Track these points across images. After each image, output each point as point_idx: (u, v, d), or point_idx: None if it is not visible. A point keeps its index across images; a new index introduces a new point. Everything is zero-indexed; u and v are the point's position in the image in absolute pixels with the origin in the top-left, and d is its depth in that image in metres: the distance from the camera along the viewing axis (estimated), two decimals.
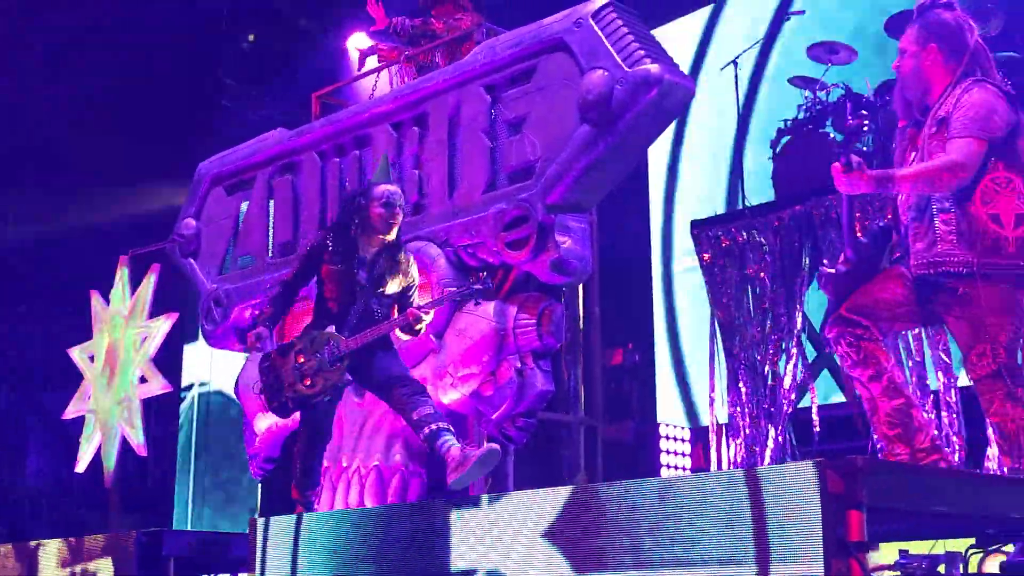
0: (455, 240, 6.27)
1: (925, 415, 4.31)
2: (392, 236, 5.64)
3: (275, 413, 5.78)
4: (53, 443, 12.63)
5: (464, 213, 6.29)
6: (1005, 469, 4.20)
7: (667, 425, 9.11)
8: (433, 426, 5.25)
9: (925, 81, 4.41)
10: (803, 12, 9.34)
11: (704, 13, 11.04)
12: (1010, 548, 4.48)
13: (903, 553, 4.41)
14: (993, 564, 4.72)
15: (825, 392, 7.99)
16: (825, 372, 8.09)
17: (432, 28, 7.51)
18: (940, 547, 4.80)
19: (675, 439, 9.09)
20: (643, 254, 10.69)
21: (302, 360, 5.50)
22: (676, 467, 8.85)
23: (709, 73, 10.17)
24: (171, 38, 12.09)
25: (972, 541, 4.60)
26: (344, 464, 6.46)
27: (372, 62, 8.28)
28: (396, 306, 5.66)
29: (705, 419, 8.33)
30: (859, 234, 4.74)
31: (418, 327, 5.52)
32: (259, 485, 10.51)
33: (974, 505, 3.77)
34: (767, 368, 7.74)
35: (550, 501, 4.07)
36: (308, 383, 5.48)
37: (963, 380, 6.75)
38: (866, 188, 4.39)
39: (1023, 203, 4.21)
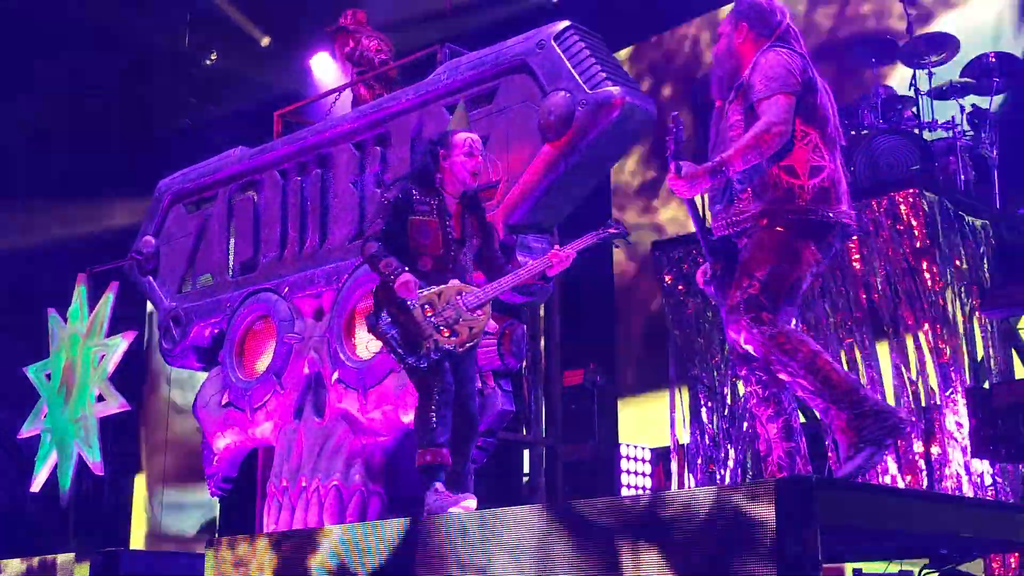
0: None
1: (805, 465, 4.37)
2: (474, 184, 5.42)
3: (416, 364, 5.24)
4: (7, 463, 12.53)
5: None
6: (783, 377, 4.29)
7: (628, 445, 9.14)
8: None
9: (737, 57, 4.57)
10: None
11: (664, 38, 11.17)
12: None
13: (857, 572, 4.47)
14: None
15: None
16: None
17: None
18: (895, 568, 4.86)
19: (636, 459, 9.12)
20: (604, 273, 10.75)
21: (430, 313, 5.15)
22: (636, 487, 8.88)
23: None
24: (132, 55, 12.08)
25: (926, 561, 4.65)
26: (303, 484, 6.45)
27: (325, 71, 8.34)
28: (480, 257, 5.45)
29: (666, 440, 8.37)
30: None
31: (552, 274, 5.31)
32: (217, 503, 10.46)
33: (926, 524, 3.80)
34: (727, 389, 7.80)
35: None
36: (448, 334, 5.16)
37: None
38: (705, 183, 4.50)
39: (817, 155, 4.34)
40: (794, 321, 4.45)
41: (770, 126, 4.29)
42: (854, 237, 4.57)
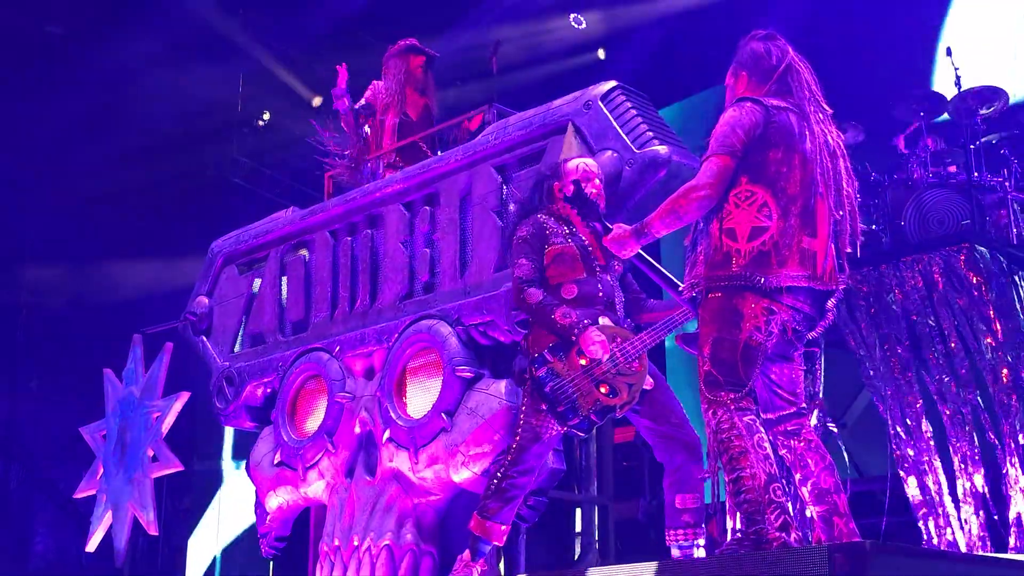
0: (466, 319, 6.28)
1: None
2: (576, 185, 5.19)
3: (580, 432, 5.02)
4: (63, 522, 12.60)
5: (475, 291, 6.32)
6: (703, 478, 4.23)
7: None
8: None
9: (728, 102, 4.48)
10: None
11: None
12: None
13: None
14: None
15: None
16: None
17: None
18: None
19: None
20: None
21: (586, 362, 4.89)
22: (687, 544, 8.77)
23: None
24: (186, 117, 12.22)
25: None
26: (355, 543, 6.45)
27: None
28: (622, 284, 5.25)
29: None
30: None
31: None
32: (270, 563, 10.46)
33: None
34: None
35: None
36: (606, 391, 4.85)
37: None
38: (634, 243, 4.50)
39: (763, 215, 4.19)
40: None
41: (689, 190, 4.24)
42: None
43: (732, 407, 4.12)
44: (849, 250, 4.40)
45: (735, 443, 4.07)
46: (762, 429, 4.18)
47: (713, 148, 4.27)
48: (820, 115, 4.43)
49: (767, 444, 4.15)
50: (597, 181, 5.31)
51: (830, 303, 4.37)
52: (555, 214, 5.28)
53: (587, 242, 5.21)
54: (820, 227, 4.29)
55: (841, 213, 4.36)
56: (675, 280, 4.71)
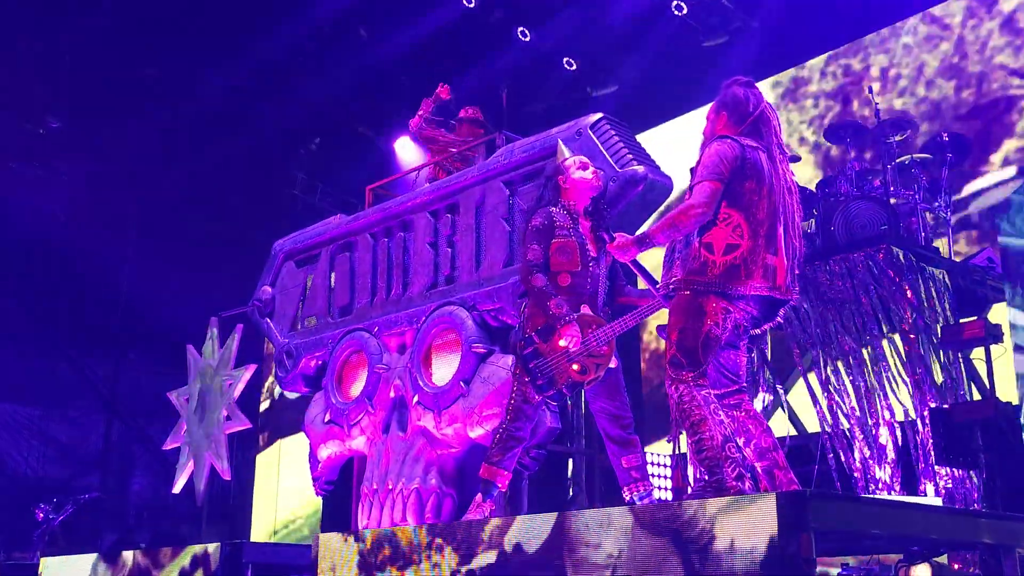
0: (480, 305, 6.26)
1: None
2: (600, 189, 5.05)
3: (552, 401, 5.01)
4: (156, 468, 12.61)
5: (488, 283, 6.29)
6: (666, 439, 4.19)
7: (652, 453, 9.02)
8: None
9: (708, 137, 4.42)
10: None
11: (678, 122, 11.15)
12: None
13: (844, 565, 4.36)
14: (919, 572, 4.66)
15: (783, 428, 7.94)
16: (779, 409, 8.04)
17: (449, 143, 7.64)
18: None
19: (658, 464, 9.01)
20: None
21: (564, 346, 4.78)
22: (659, 488, 8.75)
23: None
24: (255, 140, 12.26)
25: (900, 556, 4.54)
26: (390, 486, 6.42)
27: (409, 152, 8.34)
28: (609, 273, 5.08)
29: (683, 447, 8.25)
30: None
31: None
32: (321, 500, 10.44)
33: (900, 528, 3.71)
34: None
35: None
36: (578, 368, 4.78)
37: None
38: (635, 250, 4.42)
39: (736, 235, 4.15)
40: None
41: (689, 208, 4.16)
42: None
43: (692, 383, 4.10)
44: (798, 271, 4.38)
45: (695, 412, 4.05)
46: (715, 400, 4.17)
47: (704, 175, 4.21)
48: (781, 156, 4.39)
49: (720, 412, 4.13)
50: (593, 167, 5.19)
51: (782, 311, 4.35)
52: (565, 208, 5.14)
53: (585, 236, 5.11)
54: (780, 248, 4.28)
55: (795, 241, 4.35)
56: (653, 276, 4.66)
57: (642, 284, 4.96)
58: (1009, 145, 8.89)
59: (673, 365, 4.14)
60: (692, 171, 4.39)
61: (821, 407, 6.97)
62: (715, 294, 4.13)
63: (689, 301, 4.17)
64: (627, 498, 5.05)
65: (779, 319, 4.39)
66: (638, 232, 4.60)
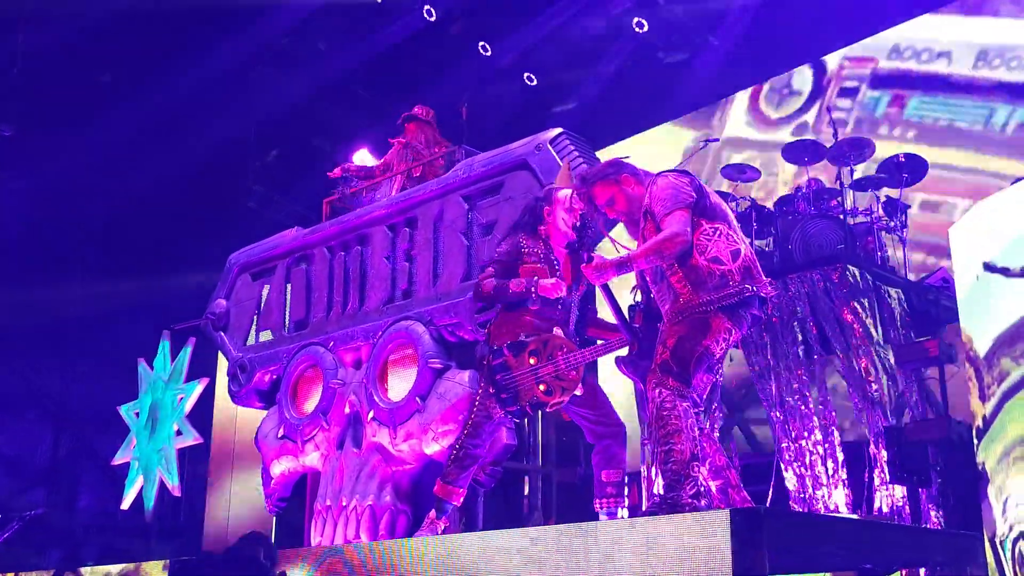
0: (437, 320, 6.25)
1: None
2: (575, 235, 4.93)
3: (514, 417, 4.95)
4: (104, 483, 12.43)
5: (445, 298, 6.29)
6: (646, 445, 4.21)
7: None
8: None
9: (636, 199, 4.50)
10: (717, 140, 9.51)
11: (638, 138, 11.22)
12: None
13: None
14: None
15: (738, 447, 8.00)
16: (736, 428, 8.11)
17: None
18: None
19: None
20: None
21: (535, 362, 4.75)
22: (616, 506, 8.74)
23: None
24: (212, 151, 12.16)
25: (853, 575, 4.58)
26: (344, 503, 6.39)
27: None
28: (581, 302, 5.04)
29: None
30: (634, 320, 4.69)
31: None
32: (274, 519, 10.35)
33: (854, 546, 3.75)
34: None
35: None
36: (544, 389, 4.73)
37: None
38: (613, 273, 4.43)
39: (731, 241, 4.28)
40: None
41: (673, 236, 4.22)
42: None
43: (675, 393, 4.12)
44: None
45: (672, 422, 4.07)
46: (694, 416, 4.17)
47: (670, 206, 4.28)
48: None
49: (696, 429, 4.14)
50: (579, 210, 5.03)
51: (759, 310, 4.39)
52: (536, 235, 5.12)
53: (558, 263, 5.09)
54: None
55: None
56: (622, 310, 4.68)
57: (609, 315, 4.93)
58: None
59: (662, 369, 4.16)
60: (645, 215, 4.43)
61: (775, 426, 7.03)
62: (723, 312, 4.17)
63: (697, 317, 4.21)
64: (596, 510, 5.07)
65: (764, 314, 4.43)
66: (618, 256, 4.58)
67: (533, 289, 4.79)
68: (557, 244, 5.07)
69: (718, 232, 4.28)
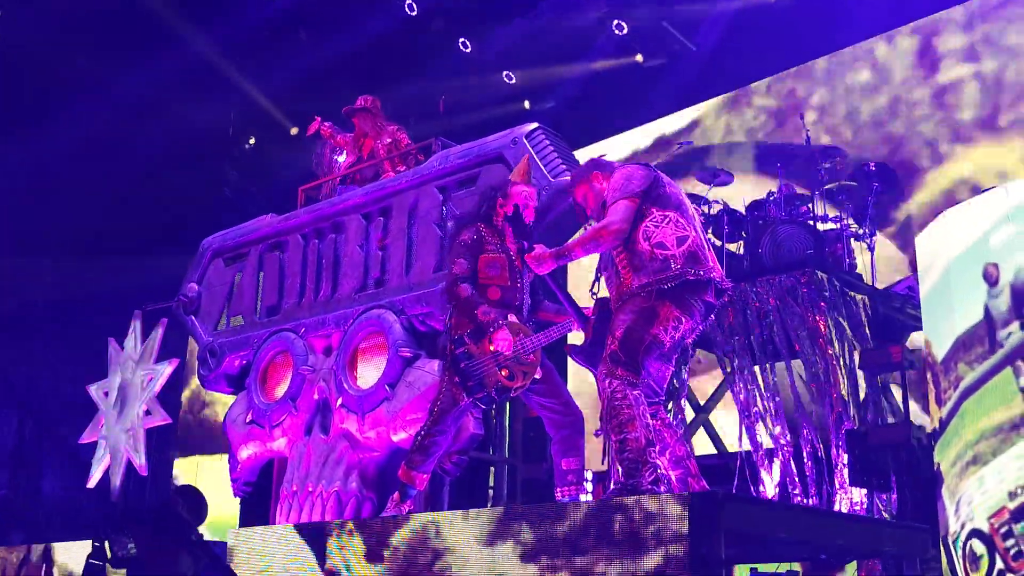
0: (409, 309, 6.29)
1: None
2: (529, 229, 5.06)
3: (481, 404, 5.00)
4: (69, 465, 12.38)
5: (418, 288, 6.33)
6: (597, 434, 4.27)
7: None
8: None
9: (599, 192, 4.60)
10: (691, 143, 9.62)
11: (614, 141, 11.31)
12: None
13: (753, 571, 4.47)
14: None
15: (703, 446, 8.09)
16: (701, 429, 8.20)
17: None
18: (784, 568, 4.87)
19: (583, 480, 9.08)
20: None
21: (494, 349, 4.84)
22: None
23: None
24: (186, 138, 12.16)
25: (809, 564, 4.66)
26: (310, 489, 6.42)
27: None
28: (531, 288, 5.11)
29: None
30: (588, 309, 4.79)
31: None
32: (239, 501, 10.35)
33: (808, 534, 3.82)
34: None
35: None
36: (506, 374, 4.83)
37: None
38: (552, 263, 4.55)
39: (680, 228, 4.33)
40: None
41: (608, 224, 4.33)
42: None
43: (625, 382, 4.17)
44: None
45: (624, 411, 4.11)
46: (646, 404, 4.23)
47: (617, 195, 4.36)
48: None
49: (648, 416, 4.20)
50: (533, 207, 5.25)
51: (711, 316, 4.45)
52: (493, 225, 5.20)
53: (513, 254, 5.17)
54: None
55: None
56: (569, 295, 4.75)
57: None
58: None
59: (612, 360, 4.21)
60: (602, 205, 4.51)
61: (740, 427, 7.11)
62: (669, 299, 4.22)
63: (643, 303, 4.25)
64: (558, 499, 5.13)
65: (710, 320, 4.49)
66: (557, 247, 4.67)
67: (491, 329, 4.88)
68: (510, 235, 5.16)
69: (667, 219, 4.32)
